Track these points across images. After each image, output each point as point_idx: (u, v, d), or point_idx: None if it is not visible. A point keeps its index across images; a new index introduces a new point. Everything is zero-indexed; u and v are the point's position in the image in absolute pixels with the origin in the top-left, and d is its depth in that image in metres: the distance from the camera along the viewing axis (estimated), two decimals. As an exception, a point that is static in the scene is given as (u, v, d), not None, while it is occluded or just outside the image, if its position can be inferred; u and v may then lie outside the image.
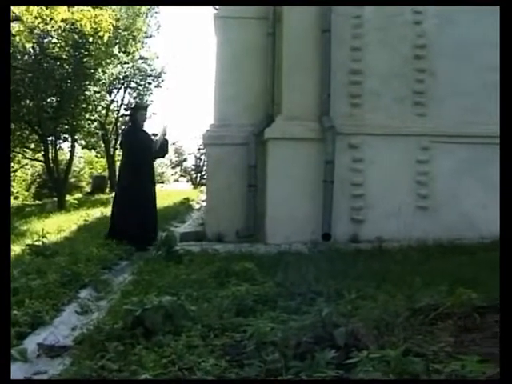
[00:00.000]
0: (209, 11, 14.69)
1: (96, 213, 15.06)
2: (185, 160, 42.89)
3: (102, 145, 32.34)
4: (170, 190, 35.39)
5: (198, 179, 37.15)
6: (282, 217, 9.16)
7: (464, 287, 4.46)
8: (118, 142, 9.97)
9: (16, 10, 14.70)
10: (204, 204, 12.78)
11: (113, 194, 26.52)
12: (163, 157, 10.54)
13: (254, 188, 9.73)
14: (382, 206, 9.22)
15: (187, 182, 40.91)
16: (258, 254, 7.52)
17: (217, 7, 11.46)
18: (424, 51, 9.77)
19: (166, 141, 9.62)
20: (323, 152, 9.19)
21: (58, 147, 23.97)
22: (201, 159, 35.84)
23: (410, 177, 9.45)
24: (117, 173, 10.42)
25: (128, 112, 9.68)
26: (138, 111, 9.55)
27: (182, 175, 43.66)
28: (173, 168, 45.47)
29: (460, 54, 9.77)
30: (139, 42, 29.24)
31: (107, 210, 16.13)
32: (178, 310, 4.21)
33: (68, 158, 25.29)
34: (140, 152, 9.06)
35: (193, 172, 40.50)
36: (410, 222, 8.96)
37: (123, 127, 8.45)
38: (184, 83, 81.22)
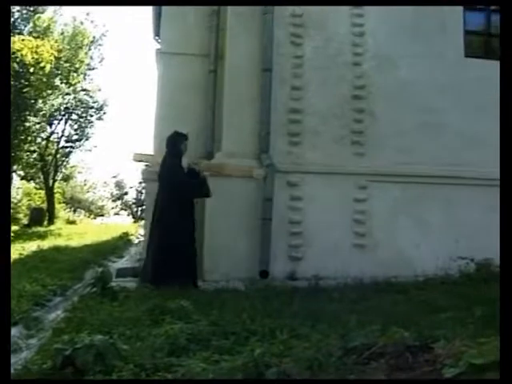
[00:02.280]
0: (152, 46, 14.69)
1: (32, 246, 14.75)
2: (126, 193, 42.62)
3: (41, 176, 31.85)
4: (110, 223, 35.01)
5: (139, 213, 36.87)
6: (220, 253, 9.10)
7: (397, 326, 4.50)
8: (158, 173, 8.94)
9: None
10: (143, 239, 12.66)
11: (52, 227, 26.01)
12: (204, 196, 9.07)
13: (192, 224, 9.68)
14: (319, 244, 9.26)
15: (128, 215, 40.60)
16: (195, 291, 7.46)
17: (159, 40, 11.52)
18: (363, 92, 9.99)
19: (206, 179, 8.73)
20: (262, 189, 9.25)
21: (-6, 178, 23.42)
22: (142, 193, 35.64)
23: (348, 215, 9.55)
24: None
25: (169, 141, 8.76)
26: (182, 142, 8.72)
27: (122, 209, 43.34)
28: (113, 201, 45.06)
29: (397, 95, 10.05)
30: (81, 73, 29.07)
31: (44, 243, 15.83)
32: (109, 349, 4.13)
33: (5, 189, 24.70)
34: (190, 188, 8.53)
35: (134, 206, 40.23)
36: (347, 260, 9.05)
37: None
38: (127, 116, 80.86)
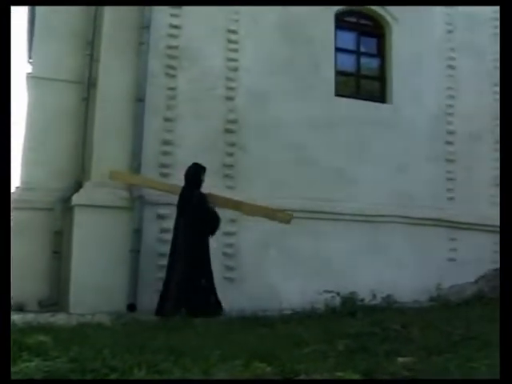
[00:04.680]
0: (24, 69, 14.26)
1: None
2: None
3: None
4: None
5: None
6: (86, 286, 8.81)
7: (261, 360, 4.52)
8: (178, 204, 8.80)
9: None
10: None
11: None
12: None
13: (58, 255, 9.40)
14: (188, 277, 9.17)
15: (-6, 244, 38.90)
16: (57, 326, 7.15)
17: (31, 61, 11.19)
18: (235, 126, 10.13)
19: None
20: (131, 221, 9.12)
21: None
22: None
23: (218, 248, 9.52)
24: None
25: (191, 173, 8.68)
26: (202, 174, 9.00)
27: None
28: (-20, 229, 43.18)
29: (269, 130, 10.27)
30: None
31: None
32: (-47, 393, 3.89)
33: None
34: (217, 217, 8.84)
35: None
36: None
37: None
38: (-3, 141, 77.93)
